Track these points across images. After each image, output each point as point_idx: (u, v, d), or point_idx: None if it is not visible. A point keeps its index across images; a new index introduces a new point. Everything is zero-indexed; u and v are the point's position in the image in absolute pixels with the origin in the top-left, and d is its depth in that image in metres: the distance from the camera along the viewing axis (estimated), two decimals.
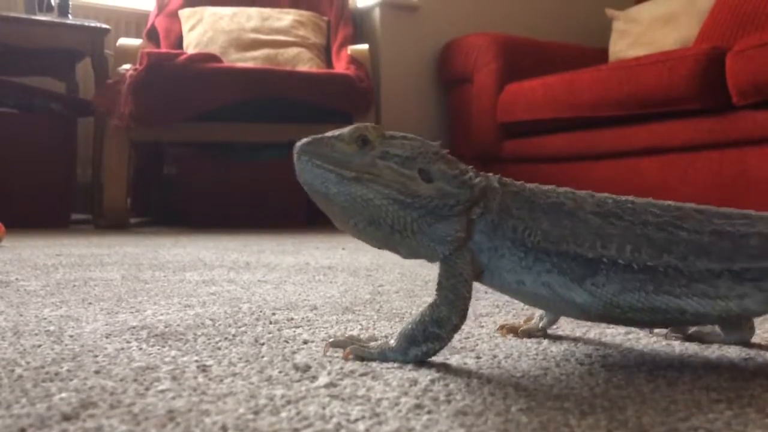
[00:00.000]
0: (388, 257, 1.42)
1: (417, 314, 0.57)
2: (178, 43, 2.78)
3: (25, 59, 2.62)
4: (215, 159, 2.64)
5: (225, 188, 2.56)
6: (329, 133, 0.57)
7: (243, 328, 0.71)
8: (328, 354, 0.60)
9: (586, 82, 2.46)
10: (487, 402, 0.47)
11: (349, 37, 2.86)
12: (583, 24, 3.41)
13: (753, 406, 0.47)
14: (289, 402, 0.46)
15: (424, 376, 0.53)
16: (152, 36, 2.82)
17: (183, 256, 1.48)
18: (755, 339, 0.69)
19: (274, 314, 0.80)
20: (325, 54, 2.86)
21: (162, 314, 0.79)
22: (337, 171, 0.55)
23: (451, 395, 0.49)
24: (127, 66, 2.42)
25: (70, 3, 2.66)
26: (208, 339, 0.66)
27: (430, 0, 3.11)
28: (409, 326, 0.57)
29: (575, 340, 0.68)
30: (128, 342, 0.64)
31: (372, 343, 0.59)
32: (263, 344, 0.64)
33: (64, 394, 0.47)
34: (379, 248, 0.60)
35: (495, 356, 0.61)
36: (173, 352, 0.60)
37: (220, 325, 0.73)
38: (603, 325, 0.75)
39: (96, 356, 0.58)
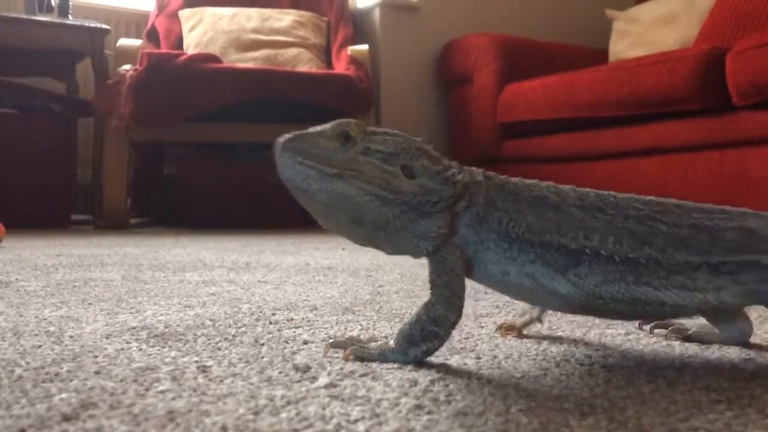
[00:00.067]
0: (388, 258, 1.42)
1: (413, 314, 0.57)
2: (178, 43, 2.78)
3: (25, 60, 2.62)
4: (215, 159, 2.64)
5: (225, 188, 2.56)
6: (311, 129, 0.57)
7: (243, 329, 0.71)
8: (328, 355, 0.60)
9: (586, 82, 2.46)
10: (487, 402, 0.47)
11: (349, 37, 2.86)
12: (583, 24, 3.41)
13: (753, 406, 0.47)
14: (289, 402, 0.46)
15: (424, 376, 0.53)
16: (152, 36, 2.82)
17: (183, 256, 1.48)
18: (755, 339, 0.69)
19: (274, 315, 0.80)
20: (325, 54, 2.86)
21: (162, 315, 0.79)
22: (319, 167, 0.55)
23: (451, 396, 0.49)
24: (127, 66, 2.42)
25: (70, 3, 2.66)
26: (208, 339, 0.66)
27: (430, 0, 3.11)
28: (407, 327, 0.57)
29: (575, 340, 0.68)
30: (128, 342, 0.64)
31: (372, 344, 0.59)
32: (263, 345, 0.64)
33: (64, 395, 0.47)
34: (362, 245, 0.60)
35: (495, 357, 0.61)
36: (173, 353, 0.60)
37: (220, 325, 0.73)
38: (603, 325, 0.75)
39: (96, 357, 0.58)
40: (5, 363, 0.56)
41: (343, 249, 1.67)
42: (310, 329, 0.71)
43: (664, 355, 0.62)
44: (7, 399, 0.46)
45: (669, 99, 2.22)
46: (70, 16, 2.64)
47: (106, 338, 0.66)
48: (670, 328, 0.69)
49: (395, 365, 0.56)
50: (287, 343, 0.65)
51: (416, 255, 0.59)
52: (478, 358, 0.60)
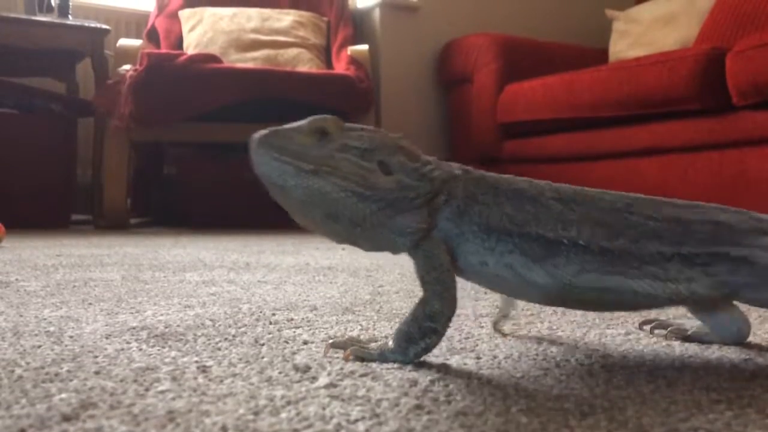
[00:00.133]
0: (388, 258, 1.42)
1: (409, 313, 0.57)
2: (178, 43, 2.78)
3: (25, 60, 2.62)
4: (215, 159, 2.64)
5: (225, 188, 2.56)
6: (287, 125, 0.57)
7: (243, 329, 0.71)
8: (328, 355, 0.60)
9: (586, 82, 2.46)
10: (487, 402, 0.47)
11: (349, 37, 2.86)
12: (583, 24, 3.41)
13: (753, 406, 0.47)
14: (289, 403, 0.46)
15: (424, 376, 0.53)
16: (152, 36, 2.82)
17: (183, 256, 1.48)
18: (755, 339, 0.69)
19: (274, 315, 0.80)
20: (325, 54, 2.86)
21: (162, 315, 0.79)
22: (295, 163, 0.55)
23: (451, 396, 0.49)
24: (127, 66, 2.42)
25: (70, 3, 2.67)
26: (208, 339, 0.66)
27: (430, 0, 3.11)
28: (404, 326, 0.57)
29: (575, 341, 0.68)
30: (128, 343, 0.64)
31: (372, 345, 0.59)
32: (263, 345, 0.64)
33: (64, 395, 0.47)
34: (339, 243, 0.60)
35: (495, 357, 0.61)
36: (173, 353, 0.60)
37: (220, 325, 0.73)
38: (603, 325, 0.75)
39: (96, 357, 0.58)
40: (5, 363, 0.56)
41: (343, 249, 1.67)
42: (310, 329, 0.71)
43: (664, 356, 0.62)
44: (7, 399, 0.46)
45: (669, 99, 2.22)
46: (70, 17, 2.64)
47: (106, 338, 0.66)
48: (669, 329, 0.69)
49: (395, 365, 0.56)
50: (287, 343, 0.65)
51: (394, 251, 0.59)
52: (478, 358, 0.60)
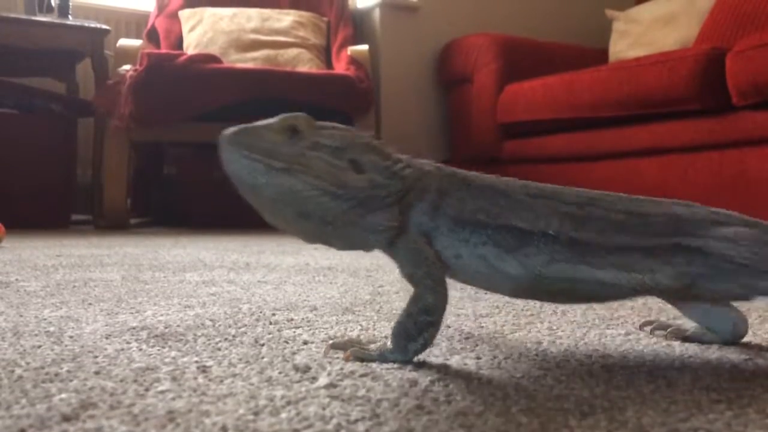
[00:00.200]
0: (388, 258, 1.42)
1: (402, 311, 0.57)
2: (178, 43, 2.78)
3: (25, 60, 2.62)
4: (215, 159, 2.64)
5: (225, 188, 2.56)
6: (258, 123, 0.56)
7: (243, 329, 0.71)
8: (328, 355, 0.60)
9: (586, 82, 2.46)
10: (487, 403, 0.47)
11: (349, 37, 2.86)
12: (583, 24, 3.41)
13: (753, 406, 0.47)
14: (289, 403, 0.46)
15: (424, 376, 0.53)
16: (152, 37, 2.82)
17: (183, 256, 1.48)
18: (756, 339, 0.69)
19: (274, 315, 0.80)
20: (325, 55, 2.86)
21: (162, 315, 0.79)
22: (265, 161, 0.54)
23: (451, 396, 0.49)
24: (127, 66, 2.42)
25: (70, 4, 2.67)
26: (208, 340, 0.66)
27: (430, 0, 3.12)
28: (400, 325, 0.57)
29: (575, 341, 0.68)
30: (128, 343, 0.64)
31: (372, 346, 0.59)
32: (263, 345, 0.64)
33: (64, 395, 0.47)
34: (311, 242, 0.60)
35: (495, 357, 0.61)
36: (173, 353, 0.60)
37: (220, 325, 0.73)
38: (603, 326, 0.75)
39: (96, 357, 0.58)
40: (5, 363, 0.56)
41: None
42: (310, 329, 0.71)
43: (664, 356, 0.62)
44: (7, 399, 0.46)
45: (669, 99, 2.22)
46: (70, 17, 2.64)
47: (106, 338, 0.66)
48: (669, 330, 0.69)
49: (395, 365, 0.56)
50: (287, 343, 0.65)
51: (366, 249, 0.60)
52: (478, 358, 0.60)
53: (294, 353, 0.61)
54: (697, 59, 2.15)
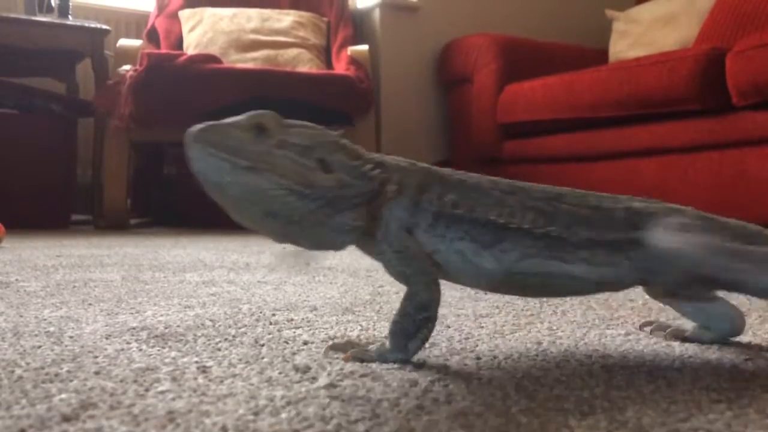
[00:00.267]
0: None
1: (398, 310, 0.57)
2: (178, 43, 2.78)
3: (25, 60, 2.62)
4: None
5: None
6: (224, 120, 0.55)
7: (243, 329, 0.71)
8: (328, 356, 0.60)
9: (586, 82, 2.46)
10: (487, 403, 0.47)
11: (349, 37, 2.86)
12: (583, 25, 3.41)
13: (753, 406, 0.47)
14: (289, 403, 0.46)
15: (424, 377, 0.53)
16: (152, 37, 2.82)
17: (183, 256, 1.48)
18: (756, 340, 0.69)
19: (274, 315, 0.80)
20: (325, 55, 2.86)
21: (162, 315, 0.79)
22: (232, 160, 0.53)
23: (451, 396, 0.49)
24: (127, 67, 2.42)
25: (70, 4, 2.67)
26: (208, 340, 0.66)
27: (430, 1, 3.12)
28: (398, 324, 0.57)
29: (575, 341, 0.68)
30: (128, 343, 0.64)
31: (371, 347, 0.59)
32: (263, 345, 0.64)
33: (64, 395, 0.47)
34: (279, 242, 0.59)
35: (495, 357, 0.61)
36: (173, 353, 0.60)
37: (220, 326, 0.73)
38: (603, 326, 0.75)
39: (96, 357, 0.58)
40: (5, 363, 0.56)
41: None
42: (310, 330, 0.71)
43: (663, 356, 0.62)
44: (7, 399, 0.46)
45: (669, 99, 2.22)
46: (70, 17, 2.64)
47: (106, 339, 0.66)
48: (668, 330, 0.70)
49: (395, 365, 0.56)
50: (287, 343, 0.65)
51: (335, 248, 0.60)
52: (478, 358, 0.60)
53: (294, 353, 0.61)
54: (697, 59, 2.15)
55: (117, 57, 2.58)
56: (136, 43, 2.71)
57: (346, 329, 0.72)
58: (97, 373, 0.53)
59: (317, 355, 0.60)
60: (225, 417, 0.43)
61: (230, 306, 0.86)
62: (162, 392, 0.48)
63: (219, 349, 0.62)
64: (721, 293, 0.65)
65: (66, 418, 0.42)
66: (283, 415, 0.44)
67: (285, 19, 2.83)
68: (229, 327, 0.72)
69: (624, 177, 2.39)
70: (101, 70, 2.60)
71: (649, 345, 0.66)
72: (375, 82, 2.87)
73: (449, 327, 0.73)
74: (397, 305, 0.87)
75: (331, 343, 0.61)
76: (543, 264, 0.58)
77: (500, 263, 0.58)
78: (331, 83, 2.51)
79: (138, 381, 0.51)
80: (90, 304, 0.85)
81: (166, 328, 0.71)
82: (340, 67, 2.70)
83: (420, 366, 0.57)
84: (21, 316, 0.77)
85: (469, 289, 0.94)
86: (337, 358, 0.59)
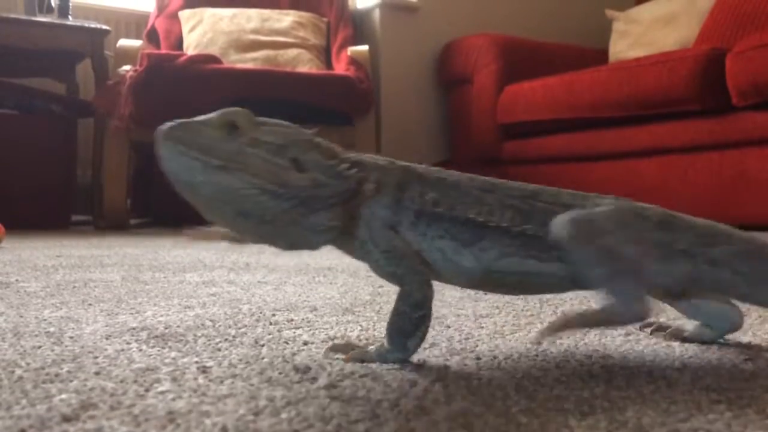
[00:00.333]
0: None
1: (393, 311, 0.57)
2: (178, 44, 2.78)
3: (25, 60, 2.62)
4: None
5: None
6: (196, 118, 0.54)
7: (243, 330, 0.71)
8: (328, 357, 0.60)
9: (586, 83, 2.46)
10: (487, 403, 0.47)
11: (349, 38, 2.86)
12: (583, 25, 3.41)
13: (753, 406, 0.47)
14: (289, 403, 0.46)
15: (424, 377, 0.53)
16: (152, 37, 2.82)
17: (183, 257, 1.48)
18: (756, 340, 0.69)
19: (274, 315, 0.80)
20: (325, 55, 2.86)
21: (162, 315, 0.79)
22: (203, 158, 0.52)
23: (451, 396, 0.49)
24: (127, 67, 2.42)
25: (70, 4, 2.67)
26: (208, 340, 0.66)
27: (430, 1, 3.12)
28: (394, 325, 0.57)
29: (575, 341, 0.68)
30: (128, 343, 0.64)
31: (370, 348, 0.59)
32: (263, 345, 0.64)
33: (64, 396, 0.47)
34: (254, 242, 0.59)
35: (495, 357, 0.61)
36: (173, 354, 0.60)
37: (220, 326, 0.73)
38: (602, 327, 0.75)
39: (96, 357, 0.58)
40: (5, 364, 0.56)
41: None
42: (310, 330, 0.71)
43: (663, 356, 0.62)
44: (7, 400, 0.46)
45: (669, 99, 2.22)
46: (70, 17, 2.64)
47: (106, 339, 0.66)
48: (668, 331, 0.70)
49: (395, 366, 0.56)
50: (287, 343, 0.65)
51: (311, 248, 0.59)
52: (478, 358, 0.60)
53: (294, 354, 0.61)
54: (697, 60, 2.15)
55: (117, 57, 2.58)
56: (136, 43, 2.71)
57: (346, 329, 0.72)
58: (97, 373, 0.53)
59: (317, 355, 0.60)
60: (225, 417, 0.43)
61: (230, 306, 0.86)
62: (162, 392, 0.48)
63: (219, 350, 0.62)
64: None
65: (66, 419, 0.42)
66: (284, 416, 0.44)
67: (285, 19, 2.83)
68: (229, 327, 0.72)
69: (624, 177, 2.39)
70: (101, 71, 2.60)
71: (649, 345, 0.66)
72: (375, 82, 2.87)
73: (449, 327, 0.73)
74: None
75: (331, 344, 0.61)
76: (520, 263, 0.58)
77: (479, 261, 0.58)
78: (330, 84, 2.51)
79: (138, 381, 0.51)
80: (90, 305, 0.85)
81: (166, 328, 0.71)
82: (340, 68, 2.70)
83: (420, 366, 0.57)
84: (21, 317, 0.77)
85: (469, 289, 0.94)
86: (338, 358, 0.59)
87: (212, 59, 2.44)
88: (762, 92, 2.02)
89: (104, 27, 2.64)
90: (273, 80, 2.42)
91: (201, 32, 2.75)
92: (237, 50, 2.70)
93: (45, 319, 0.75)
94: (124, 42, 2.69)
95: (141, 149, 2.70)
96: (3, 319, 0.75)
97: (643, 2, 3.06)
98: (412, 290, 0.56)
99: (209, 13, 2.80)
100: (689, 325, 0.70)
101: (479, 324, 0.76)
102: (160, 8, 2.86)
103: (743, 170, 2.10)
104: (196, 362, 0.57)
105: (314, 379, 0.52)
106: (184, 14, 2.82)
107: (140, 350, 0.61)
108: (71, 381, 0.51)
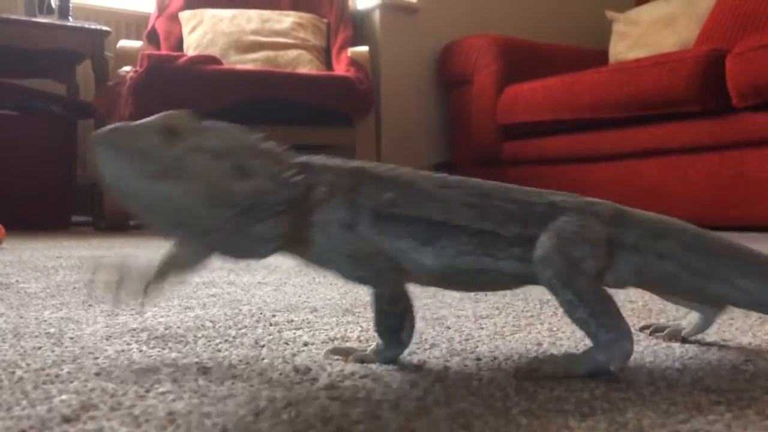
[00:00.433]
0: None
1: (374, 314, 0.56)
2: (179, 45, 2.78)
3: (25, 61, 2.62)
4: None
5: None
6: (134, 123, 0.51)
7: (243, 330, 0.71)
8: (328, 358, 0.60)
9: (586, 83, 2.46)
10: (487, 404, 0.47)
11: (349, 39, 2.86)
12: (583, 26, 3.41)
13: (753, 407, 0.47)
14: (289, 404, 0.46)
15: (425, 378, 0.53)
16: (152, 38, 2.82)
17: None
18: (756, 341, 0.69)
19: (274, 316, 0.80)
20: (325, 56, 2.86)
21: (162, 316, 0.79)
22: (139, 165, 0.49)
23: (451, 397, 0.49)
24: (127, 68, 2.42)
25: (71, 5, 2.67)
26: (209, 341, 0.66)
27: (430, 1, 3.12)
28: (382, 324, 0.56)
29: (575, 342, 0.68)
30: (128, 344, 0.64)
31: (369, 350, 0.59)
32: (263, 346, 0.64)
33: (64, 396, 0.47)
34: (204, 254, 0.57)
35: (495, 358, 0.61)
36: (173, 354, 0.60)
37: (220, 327, 0.73)
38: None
39: (96, 358, 0.58)
40: (6, 364, 0.56)
41: None
42: (311, 331, 0.72)
43: (663, 357, 0.62)
44: (7, 400, 0.46)
45: (669, 100, 2.22)
46: (70, 18, 2.64)
47: (107, 340, 0.66)
48: (666, 331, 0.70)
49: (395, 367, 0.56)
50: (287, 344, 0.65)
51: (257, 258, 0.57)
52: (479, 359, 0.60)
53: (294, 355, 0.61)
54: (697, 61, 2.15)
55: (117, 58, 2.59)
56: (136, 44, 2.71)
57: (346, 330, 0.72)
58: (97, 374, 0.53)
59: (318, 356, 0.60)
60: (225, 418, 0.43)
61: (230, 307, 0.86)
62: (162, 393, 0.48)
63: (219, 350, 0.62)
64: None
65: (66, 419, 0.42)
66: (284, 416, 0.44)
67: (285, 20, 2.83)
68: (230, 328, 0.72)
69: (624, 178, 2.39)
70: (101, 72, 2.61)
71: (649, 346, 0.66)
72: (375, 83, 2.87)
73: (449, 328, 0.74)
74: None
75: (331, 347, 0.61)
76: (477, 261, 0.57)
77: (438, 258, 0.57)
78: (331, 84, 2.51)
79: (138, 382, 0.51)
80: (90, 306, 0.85)
81: (166, 329, 0.71)
82: (340, 69, 2.70)
83: (420, 367, 0.57)
84: (21, 318, 0.77)
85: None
86: (338, 359, 0.59)
87: (212, 60, 2.44)
88: (762, 93, 2.02)
89: (104, 28, 2.65)
90: (273, 81, 2.42)
91: (201, 33, 2.75)
92: (237, 51, 2.70)
93: (45, 320, 0.75)
94: (124, 43, 2.69)
95: None
96: (3, 320, 0.75)
97: (643, 3, 3.06)
98: (385, 289, 0.56)
99: (209, 14, 2.80)
100: (684, 322, 0.70)
101: (479, 325, 0.76)
102: (161, 9, 2.87)
103: (743, 171, 2.10)
104: (197, 363, 0.57)
105: (314, 380, 0.52)
106: (185, 15, 2.82)
107: (140, 351, 0.61)
108: (71, 382, 0.51)
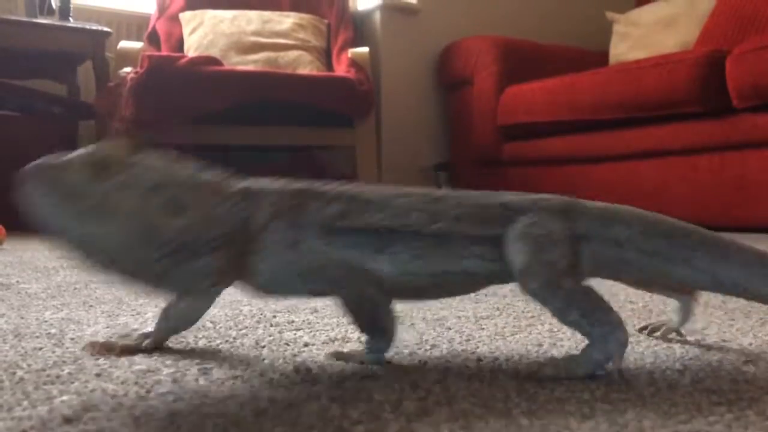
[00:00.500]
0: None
1: (350, 316, 0.56)
2: (179, 46, 2.79)
3: (26, 62, 2.62)
4: (215, 162, 2.64)
5: None
6: (65, 157, 0.50)
7: (244, 331, 0.71)
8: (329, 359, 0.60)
9: (586, 84, 2.46)
10: (488, 405, 0.47)
11: (350, 40, 2.86)
12: (583, 27, 3.41)
13: (753, 408, 0.47)
14: (290, 405, 0.46)
15: (425, 378, 0.53)
16: (153, 39, 2.82)
17: None
18: (756, 342, 0.69)
19: (274, 317, 0.80)
20: (326, 57, 2.86)
21: None
22: (67, 203, 0.47)
23: (452, 398, 0.49)
24: (128, 69, 2.42)
25: (71, 6, 2.67)
26: (209, 342, 0.66)
27: (431, 3, 3.12)
28: (361, 323, 0.57)
29: (576, 342, 0.68)
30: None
31: (364, 351, 0.59)
32: (264, 347, 0.64)
33: (65, 397, 0.47)
34: (144, 292, 0.56)
35: (496, 359, 0.61)
36: (174, 355, 0.60)
37: (220, 327, 0.73)
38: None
39: (97, 359, 0.58)
40: (7, 365, 0.56)
41: None
42: (311, 331, 0.72)
43: (664, 358, 0.62)
44: (8, 401, 0.46)
45: (669, 101, 2.22)
46: (71, 19, 2.64)
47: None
48: (662, 329, 0.70)
49: (395, 367, 0.56)
50: (288, 345, 0.65)
51: (202, 293, 0.56)
52: (479, 360, 0.60)
53: (295, 355, 0.61)
54: (698, 62, 2.15)
55: (118, 59, 2.59)
56: (137, 45, 2.71)
57: (347, 331, 0.72)
58: (98, 375, 0.53)
59: (318, 356, 0.60)
60: (226, 419, 0.43)
61: (231, 308, 0.86)
62: (163, 394, 0.48)
63: (220, 351, 0.62)
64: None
65: (67, 420, 0.43)
66: (285, 417, 0.44)
67: (285, 21, 2.83)
68: (230, 329, 0.72)
69: (624, 179, 2.39)
70: (102, 73, 2.61)
71: (649, 347, 0.66)
72: (375, 84, 2.87)
73: (450, 329, 0.74)
74: (396, 307, 0.87)
75: (333, 351, 0.61)
76: (438, 263, 0.56)
77: (393, 265, 0.55)
78: (331, 85, 2.51)
79: (139, 383, 0.51)
80: (91, 306, 0.85)
81: None
82: (341, 69, 2.70)
83: (421, 368, 0.57)
84: (22, 318, 0.77)
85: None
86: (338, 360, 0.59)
87: (213, 61, 2.44)
88: (762, 94, 2.02)
89: (105, 29, 2.65)
90: (273, 82, 2.42)
91: (202, 34, 2.75)
92: (238, 52, 2.71)
93: (46, 321, 0.75)
94: (124, 44, 2.69)
95: None
96: (4, 321, 0.75)
97: (643, 4, 3.06)
98: (351, 292, 0.55)
99: (210, 15, 2.80)
100: (673, 315, 0.70)
101: (480, 326, 0.76)
102: (161, 10, 2.87)
103: (744, 172, 2.10)
104: (197, 364, 0.57)
105: (315, 381, 0.52)
106: (185, 16, 2.82)
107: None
108: (72, 382, 0.51)
